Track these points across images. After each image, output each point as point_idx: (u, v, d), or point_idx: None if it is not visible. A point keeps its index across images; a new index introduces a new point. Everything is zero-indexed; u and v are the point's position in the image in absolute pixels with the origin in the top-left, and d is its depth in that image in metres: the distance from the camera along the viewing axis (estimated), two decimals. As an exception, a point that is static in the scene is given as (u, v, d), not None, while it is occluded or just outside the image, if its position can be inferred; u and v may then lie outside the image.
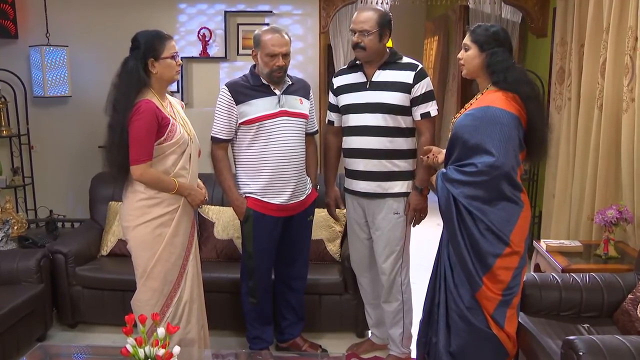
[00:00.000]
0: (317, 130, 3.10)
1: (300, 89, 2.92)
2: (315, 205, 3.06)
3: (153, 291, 2.61)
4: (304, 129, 2.92)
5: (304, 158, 2.93)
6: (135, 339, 1.88)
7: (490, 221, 2.33)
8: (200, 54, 4.43)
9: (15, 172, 4.37)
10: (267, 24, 4.41)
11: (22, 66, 4.37)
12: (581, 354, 2.06)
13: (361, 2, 4.63)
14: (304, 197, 2.94)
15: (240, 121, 2.80)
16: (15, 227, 3.78)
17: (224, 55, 4.45)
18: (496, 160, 2.27)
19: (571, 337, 2.16)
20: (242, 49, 4.45)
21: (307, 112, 2.92)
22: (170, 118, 2.57)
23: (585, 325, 2.57)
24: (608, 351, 2.06)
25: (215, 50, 4.47)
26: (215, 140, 2.87)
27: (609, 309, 2.65)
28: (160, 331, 1.91)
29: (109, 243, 3.61)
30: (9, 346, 2.92)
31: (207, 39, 4.43)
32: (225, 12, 4.39)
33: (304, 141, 2.92)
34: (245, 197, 2.87)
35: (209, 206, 3.64)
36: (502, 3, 4.55)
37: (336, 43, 4.74)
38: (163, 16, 4.42)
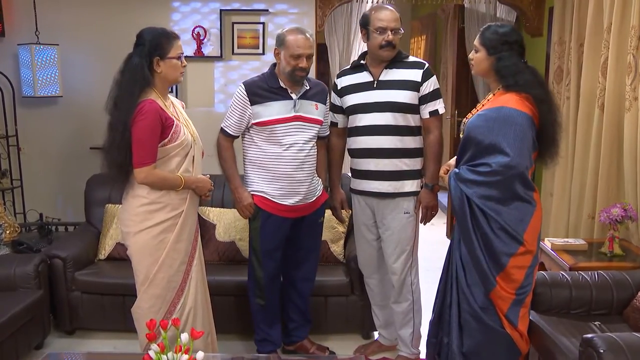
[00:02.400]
0: (329, 134, 3.06)
1: (317, 93, 2.87)
2: (325, 206, 3.03)
3: (155, 298, 2.54)
4: (317, 134, 2.88)
5: (315, 162, 2.90)
6: (158, 345, 1.82)
7: (504, 221, 2.34)
8: (194, 53, 4.35)
9: (3, 174, 4.24)
10: (263, 23, 4.37)
11: (9, 65, 4.25)
12: (602, 351, 2.05)
13: (356, 2, 4.60)
14: (314, 198, 2.91)
15: (253, 121, 2.77)
16: (8, 232, 3.67)
17: (219, 55, 4.38)
18: (511, 160, 2.27)
19: (589, 335, 2.16)
20: (238, 48, 4.39)
21: (321, 118, 2.87)
22: (174, 119, 2.51)
23: (597, 323, 2.57)
24: (628, 348, 2.06)
25: (210, 49, 4.40)
26: (224, 132, 2.85)
27: (618, 307, 2.67)
28: (184, 336, 1.85)
29: (106, 247, 3.52)
30: (8, 355, 2.81)
31: (201, 38, 4.36)
32: (221, 10, 4.33)
33: (316, 145, 2.89)
34: (253, 194, 2.84)
35: (209, 208, 3.58)
36: (497, 2, 4.57)
37: (331, 42, 4.70)
38: (156, 14, 4.33)
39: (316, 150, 2.91)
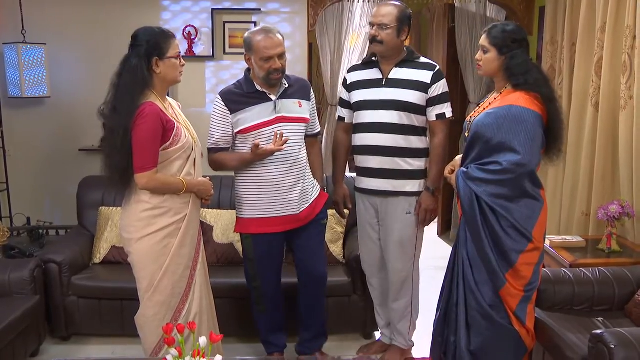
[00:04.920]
0: (320, 131, 2.99)
1: (299, 90, 2.77)
2: (327, 207, 2.95)
3: (160, 305, 2.49)
4: (304, 133, 2.78)
5: (306, 163, 2.80)
6: (176, 349, 1.79)
7: (514, 218, 2.35)
8: (185, 53, 4.27)
9: (-12, 177, 4.14)
10: (255, 22, 4.33)
11: (-6, 65, 4.15)
12: (613, 347, 2.08)
13: (348, 0, 4.60)
14: (312, 201, 2.81)
15: (236, 130, 2.69)
16: (-3, 236, 3.57)
17: (210, 54, 4.33)
18: (522, 158, 2.29)
19: (599, 331, 2.19)
20: (229, 47, 4.35)
21: (307, 116, 2.77)
22: (175, 121, 2.46)
23: (600, 319, 2.61)
24: (638, 343, 2.09)
25: (201, 49, 4.35)
26: (212, 151, 2.76)
27: (620, 302, 2.70)
28: (202, 340, 1.82)
29: (102, 250, 3.45)
30: (5, 364, 2.74)
31: (192, 38, 4.31)
32: (212, 9, 4.28)
33: (304, 146, 2.79)
34: (244, 219, 2.77)
35: (206, 210, 3.53)
36: (487, 1, 4.61)
37: (322, 42, 4.69)
38: (146, 13, 4.27)
39: (306, 151, 2.81)
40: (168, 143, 2.41)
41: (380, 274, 3.08)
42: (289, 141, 2.66)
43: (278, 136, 2.62)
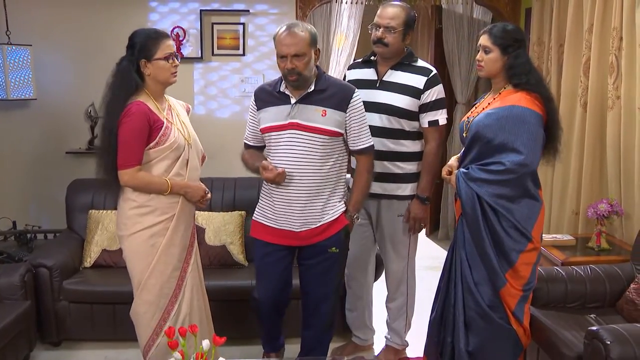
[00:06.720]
0: (367, 147, 2.56)
1: (331, 97, 2.46)
2: (342, 234, 2.59)
3: (149, 304, 2.50)
4: (323, 146, 2.47)
5: (325, 181, 2.51)
6: (180, 352, 1.77)
7: (515, 218, 2.37)
8: (174, 54, 4.26)
9: (-27, 181, 4.06)
10: (243, 24, 4.32)
11: (-22, 67, 4.07)
12: (608, 343, 2.12)
13: (336, 2, 4.61)
14: (320, 224, 2.54)
15: (259, 128, 2.61)
16: (-16, 241, 3.51)
17: (199, 56, 4.30)
18: (525, 158, 2.31)
19: (594, 328, 2.23)
20: (218, 49, 4.33)
21: (331, 127, 2.45)
22: (165, 121, 2.45)
23: (592, 316, 2.65)
24: (633, 339, 2.13)
25: (189, 50, 4.32)
26: (244, 147, 2.74)
27: (611, 299, 2.75)
28: (205, 343, 1.81)
29: (92, 254, 3.40)
30: (-4, 371, 2.70)
31: (180, 39, 4.27)
32: (201, 10, 4.25)
33: (324, 161, 2.49)
34: (252, 220, 2.70)
35: (197, 212, 3.50)
36: (474, 3, 4.65)
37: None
38: (134, 14, 4.22)
39: (328, 167, 2.51)
40: (154, 142, 2.41)
41: (361, 278, 3.07)
42: (294, 152, 2.48)
43: (278, 170, 2.46)
